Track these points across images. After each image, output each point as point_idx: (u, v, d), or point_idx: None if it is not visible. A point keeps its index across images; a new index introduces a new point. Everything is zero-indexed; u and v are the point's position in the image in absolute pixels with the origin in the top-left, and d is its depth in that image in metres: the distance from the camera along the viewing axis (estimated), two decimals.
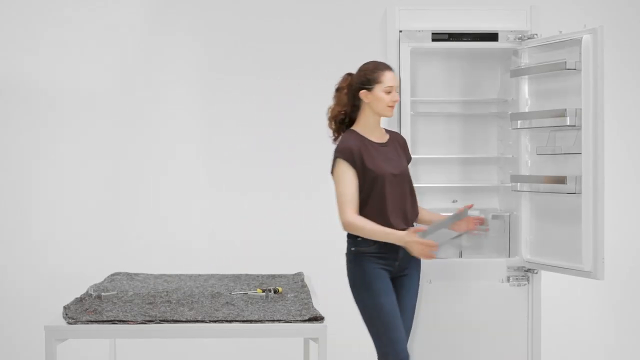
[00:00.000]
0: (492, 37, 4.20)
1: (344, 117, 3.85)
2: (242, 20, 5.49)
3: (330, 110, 3.87)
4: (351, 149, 3.72)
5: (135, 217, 5.47)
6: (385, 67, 3.79)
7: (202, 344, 5.45)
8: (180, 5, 5.50)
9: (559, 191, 3.98)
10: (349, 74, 3.86)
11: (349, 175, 3.70)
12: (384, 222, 3.68)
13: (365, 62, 3.83)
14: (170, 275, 4.42)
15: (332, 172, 3.78)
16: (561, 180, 3.93)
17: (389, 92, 3.74)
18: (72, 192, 5.46)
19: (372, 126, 3.82)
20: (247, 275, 4.45)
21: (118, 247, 5.41)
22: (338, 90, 3.86)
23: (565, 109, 3.88)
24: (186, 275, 4.42)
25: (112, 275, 4.39)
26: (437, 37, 4.19)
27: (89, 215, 5.45)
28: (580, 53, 3.82)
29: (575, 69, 3.86)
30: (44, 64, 5.45)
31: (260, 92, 5.49)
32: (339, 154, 3.73)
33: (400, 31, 4.19)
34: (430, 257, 3.61)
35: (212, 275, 4.44)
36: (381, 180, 3.71)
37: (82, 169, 5.46)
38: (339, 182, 3.72)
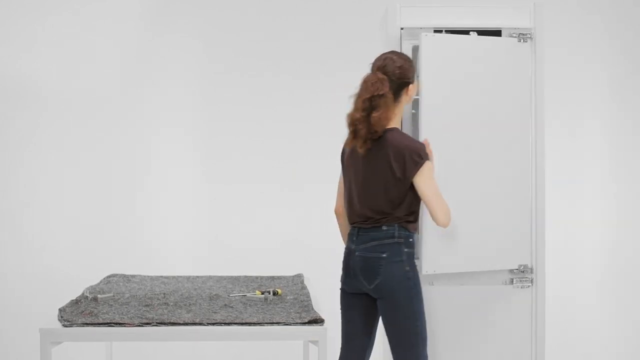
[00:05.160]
0: (495, 34, 4.14)
1: None
2: (242, 17, 5.46)
3: (377, 118, 3.57)
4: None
5: (131, 218, 5.44)
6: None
7: (200, 347, 5.42)
8: (178, 3, 5.47)
9: None
10: (381, 74, 3.63)
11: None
12: None
13: (386, 57, 3.66)
14: (167, 277, 4.39)
15: (413, 173, 3.57)
16: None
17: None
18: (68, 193, 5.43)
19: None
20: (245, 277, 4.42)
21: (114, 249, 5.39)
22: (383, 96, 3.59)
23: None
24: (184, 277, 4.40)
25: (108, 277, 4.35)
26: (439, 34, 4.14)
27: (85, 217, 5.42)
28: None
29: None
30: (39, 62, 5.41)
31: (259, 91, 5.46)
32: (426, 156, 3.59)
33: (402, 28, 4.14)
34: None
35: (210, 277, 4.41)
36: None
37: (78, 169, 5.43)
38: (433, 182, 3.58)
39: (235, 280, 4.33)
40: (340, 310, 3.83)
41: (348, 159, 3.79)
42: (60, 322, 3.27)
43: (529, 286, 4.20)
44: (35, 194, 5.43)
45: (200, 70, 5.47)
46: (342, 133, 5.39)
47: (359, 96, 3.63)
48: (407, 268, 3.60)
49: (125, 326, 3.22)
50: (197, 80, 5.47)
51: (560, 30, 5.41)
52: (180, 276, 4.43)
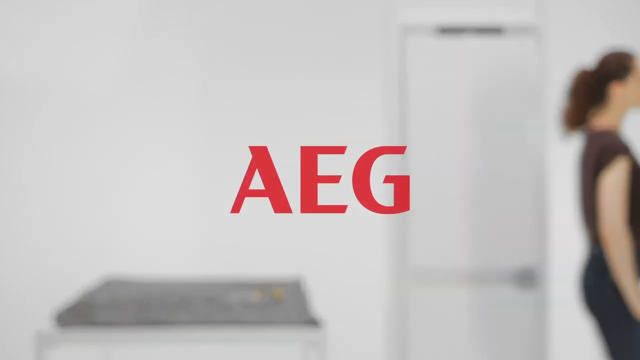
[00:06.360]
0: (498, 31, 4.13)
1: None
2: (239, 15, 5.44)
3: (572, 107, 3.35)
4: (628, 145, 3.22)
5: (129, 219, 5.41)
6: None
7: (198, 349, 5.39)
8: (173, 4, 5.45)
9: None
10: (583, 69, 3.42)
11: (625, 180, 3.18)
12: None
13: (605, 54, 3.43)
14: (165, 279, 4.37)
15: (599, 172, 3.22)
16: None
17: None
18: (64, 194, 5.40)
19: (621, 126, 3.38)
20: (244, 278, 4.40)
21: (111, 251, 5.36)
22: (576, 89, 3.38)
23: None
24: (182, 279, 4.37)
25: (106, 278, 4.33)
26: (441, 32, 4.12)
27: (81, 218, 5.39)
28: None
29: None
30: (32, 62, 5.38)
31: (256, 89, 5.43)
32: (621, 150, 3.20)
33: (402, 26, 4.12)
34: None
35: (209, 279, 4.39)
36: None
37: (75, 170, 5.40)
38: (618, 185, 3.16)
39: (234, 282, 4.31)
40: None
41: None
42: (57, 324, 3.24)
43: (533, 288, 4.18)
44: (31, 194, 5.40)
45: (198, 70, 5.44)
46: (341, 132, 5.38)
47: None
48: (611, 297, 3.21)
49: (122, 328, 3.20)
50: (193, 79, 5.44)
51: (561, 26, 5.38)
52: (179, 278, 4.41)
